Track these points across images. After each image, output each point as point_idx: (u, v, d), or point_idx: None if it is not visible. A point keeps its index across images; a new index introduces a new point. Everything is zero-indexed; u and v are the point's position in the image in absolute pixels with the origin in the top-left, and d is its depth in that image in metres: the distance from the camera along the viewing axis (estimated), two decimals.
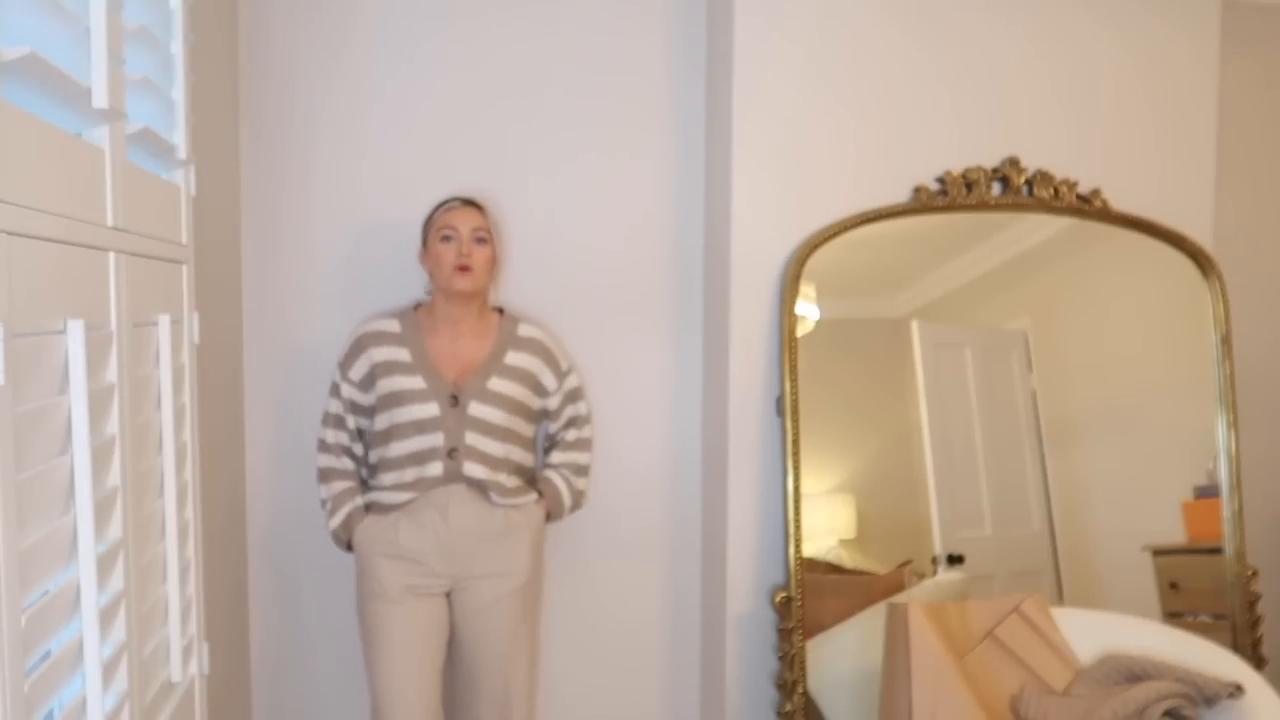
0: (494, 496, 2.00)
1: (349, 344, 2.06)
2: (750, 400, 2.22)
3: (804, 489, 2.16)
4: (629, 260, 2.36)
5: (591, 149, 2.32)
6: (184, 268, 1.46)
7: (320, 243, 2.21)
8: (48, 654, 0.93)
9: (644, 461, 2.40)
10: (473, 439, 1.98)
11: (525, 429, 2.10)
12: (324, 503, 2.05)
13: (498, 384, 2.02)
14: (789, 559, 2.16)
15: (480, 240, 2.01)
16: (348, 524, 2.02)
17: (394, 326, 2.04)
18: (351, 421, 2.07)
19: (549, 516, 2.14)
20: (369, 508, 2.03)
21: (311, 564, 2.24)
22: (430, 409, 1.97)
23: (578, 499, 2.17)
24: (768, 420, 2.22)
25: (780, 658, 2.18)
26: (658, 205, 2.36)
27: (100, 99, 1.01)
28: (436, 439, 1.97)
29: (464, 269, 1.98)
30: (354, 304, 2.22)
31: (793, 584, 2.16)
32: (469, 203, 2.06)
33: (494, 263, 2.05)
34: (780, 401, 2.18)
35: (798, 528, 2.15)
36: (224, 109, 2.04)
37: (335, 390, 2.07)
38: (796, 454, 2.15)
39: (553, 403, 2.15)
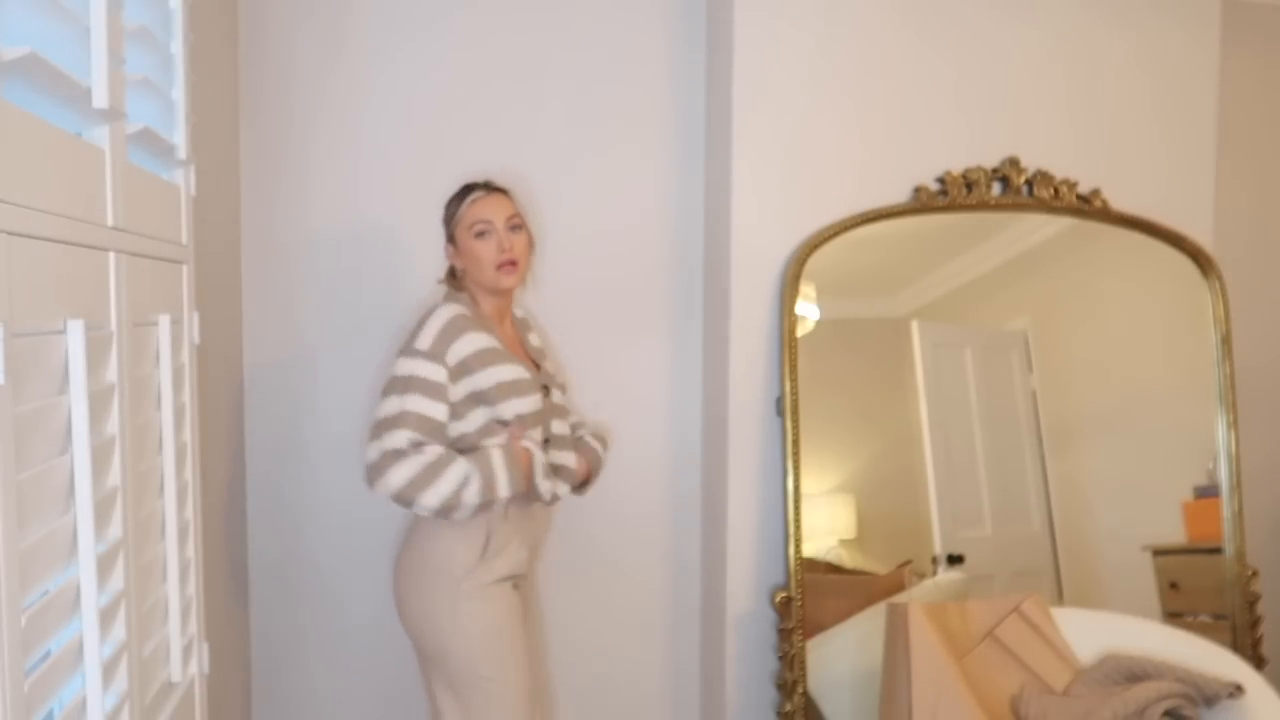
0: (562, 480, 1.93)
1: (438, 329, 1.76)
2: (750, 400, 2.22)
3: (804, 489, 2.16)
4: (628, 259, 2.35)
5: (590, 148, 2.32)
6: (184, 268, 1.46)
7: (320, 242, 2.21)
8: (48, 654, 0.93)
9: (644, 461, 2.40)
10: (557, 426, 1.96)
11: None
12: (461, 486, 1.69)
13: (550, 366, 2.03)
14: (789, 559, 2.16)
15: (515, 228, 1.87)
16: (514, 478, 1.77)
17: (471, 311, 1.83)
18: (444, 414, 1.74)
19: (588, 480, 2.05)
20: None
21: (311, 564, 2.24)
22: (535, 401, 1.84)
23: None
24: (768, 420, 2.22)
25: (780, 658, 2.18)
26: (657, 205, 2.36)
27: (100, 99, 1.01)
28: (536, 432, 1.87)
29: (510, 265, 1.84)
30: (354, 303, 2.22)
31: (793, 584, 2.16)
32: (496, 189, 1.91)
33: (532, 246, 1.93)
34: (780, 401, 2.18)
35: (798, 528, 2.15)
36: (224, 109, 2.04)
37: (430, 389, 1.72)
38: (796, 454, 2.15)
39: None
